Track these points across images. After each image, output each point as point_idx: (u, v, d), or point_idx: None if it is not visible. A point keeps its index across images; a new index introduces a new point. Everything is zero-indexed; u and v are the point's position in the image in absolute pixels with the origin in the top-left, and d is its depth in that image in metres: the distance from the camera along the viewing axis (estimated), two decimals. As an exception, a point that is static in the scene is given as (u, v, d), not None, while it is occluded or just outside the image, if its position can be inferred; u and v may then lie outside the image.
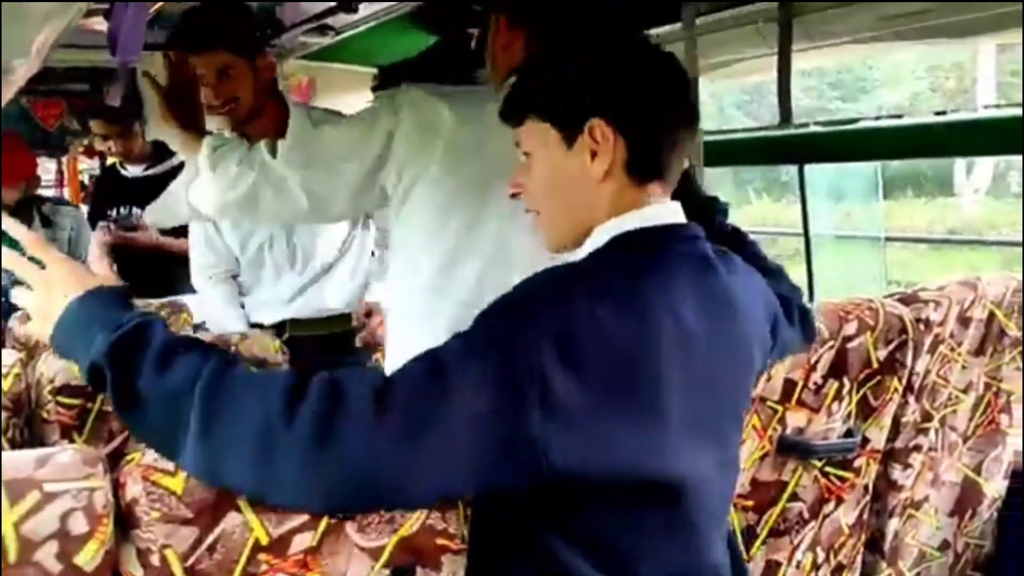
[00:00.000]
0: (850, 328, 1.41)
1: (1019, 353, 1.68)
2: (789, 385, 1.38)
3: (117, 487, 0.82)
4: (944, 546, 1.71)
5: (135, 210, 2.92)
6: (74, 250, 2.87)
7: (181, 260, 2.29)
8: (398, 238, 1.46)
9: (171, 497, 0.82)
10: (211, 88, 1.77)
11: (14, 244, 0.95)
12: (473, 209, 1.32)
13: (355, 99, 2.63)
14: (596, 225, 0.95)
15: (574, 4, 1.33)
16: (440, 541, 0.97)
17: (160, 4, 1.91)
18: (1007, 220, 8.55)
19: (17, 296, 0.90)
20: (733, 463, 1.02)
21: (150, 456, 0.83)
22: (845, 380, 1.43)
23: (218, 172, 1.44)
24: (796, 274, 1.28)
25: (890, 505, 1.59)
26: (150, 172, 2.95)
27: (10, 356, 1.41)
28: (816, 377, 1.40)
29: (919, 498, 1.63)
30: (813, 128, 2.00)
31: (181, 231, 2.37)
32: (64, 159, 5.56)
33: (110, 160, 3.25)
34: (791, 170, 2.26)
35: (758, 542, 1.43)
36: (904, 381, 1.50)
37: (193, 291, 2.23)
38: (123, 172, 3.02)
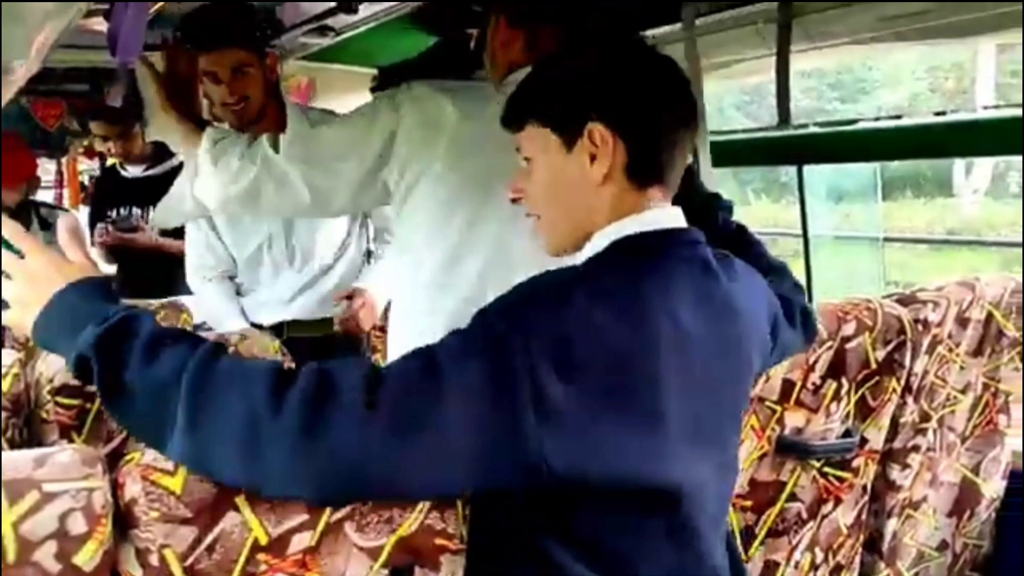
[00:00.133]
0: (849, 328, 1.42)
1: (1017, 354, 1.69)
2: (788, 385, 1.38)
3: (116, 487, 0.82)
4: (942, 546, 1.71)
5: (135, 211, 2.92)
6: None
7: (180, 261, 2.30)
8: (401, 235, 1.46)
9: (170, 497, 0.82)
10: (225, 86, 1.78)
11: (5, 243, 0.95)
12: (475, 205, 1.32)
13: (355, 100, 2.62)
14: (596, 229, 0.95)
15: (574, 4, 1.33)
16: (439, 541, 0.97)
17: (160, 4, 1.91)
18: (1006, 221, 8.55)
19: None
20: (732, 464, 1.03)
21: (149, 456, 0.83)
22: (844, 380, 1.43)
23: (220, 166, 1.44)
24: (795, 274, 1.29)
25: (888, 505, 1.59)
26: (150, 173, 2.95)
27: (9, 356, 1.41)
28: (815, 377, 1.40)
29: (917, 498, 1.63)
30: (812, 129, 2.00)
31: (180, 232, 2.38)
32: (64, 160, 5.55)
33: (110, 161, 3.25)
34: (790, 171, 2.26)
35: (756, 542, 1.43)
36: (902, 381, 1.50)
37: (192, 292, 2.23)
38: (123, 173, 3.02)
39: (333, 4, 2.28)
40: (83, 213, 3.65)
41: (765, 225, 7.54)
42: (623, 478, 0.86)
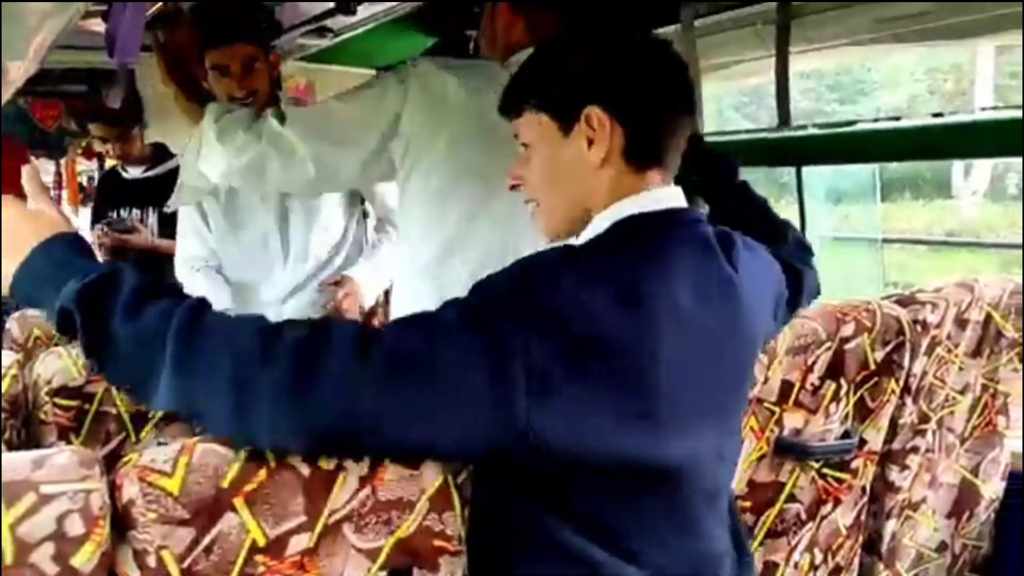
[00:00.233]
0: (847, 329, 1.41)
1: (1016, 355, 1.68)
2: (786, 386, 1.38)
3: (113, 488, 0.82)
4: (942, 547, 1.71)
5: (134, 212, 2.92)
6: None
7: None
8: (403, 216, 1.48)
9: (167, 498, 0.82)
10: (235, 80, 1.79)
11: None
12: (474, 199, 1.36)
13: (354, 101, 2.63)
14: (595, 212, 0.95)
15: (574, 5, 1.35)
16: (437, 543, 0.97)
17: (159, 5, 1.91)
18: (1005, 222, 8.55)
19: None
20: (736, 435, 1.04)
21: (147, 457, 0.83)
22: (842, 381, 1.43)
23: (224, 139, 1.46)
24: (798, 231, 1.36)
25: (887, 506, 1.59)
26: (150, 174, 2.95)
27: (7, 357, 1.40)
28: (813, 378, 1.40)
29: (916, 499, 1.63)
30: (811, 130, 2.00)
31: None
32: (63, 161, 5.55)
33: (110, 163, 3.25)
34: (789, 172, 2.26)
35: (755, 543, 1.43)
36: (901, 382, 1.50)
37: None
38: (123, 174, 3.02)
39: (331, 5, 2.29)
40: (83, 214, 3.64)
41: (764, 226, 7.51)
42: (618, 456, 0.86)
